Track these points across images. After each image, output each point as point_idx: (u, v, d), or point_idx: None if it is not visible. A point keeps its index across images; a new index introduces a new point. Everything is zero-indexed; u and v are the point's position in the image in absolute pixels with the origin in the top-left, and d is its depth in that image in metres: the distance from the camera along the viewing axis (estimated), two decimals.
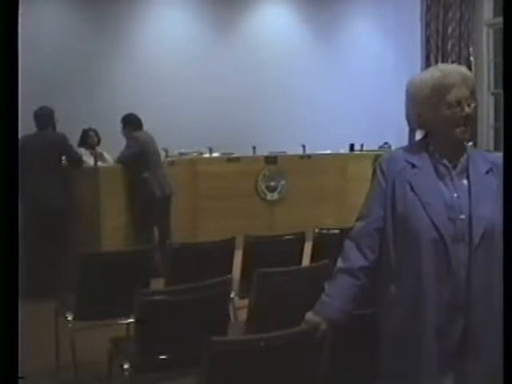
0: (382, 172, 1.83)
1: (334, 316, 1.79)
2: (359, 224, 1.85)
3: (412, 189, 1.75)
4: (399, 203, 1.77)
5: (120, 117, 5.87)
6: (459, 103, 1.75)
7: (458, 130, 1.76)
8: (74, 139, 6.17)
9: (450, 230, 1.70)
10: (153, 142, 5.85)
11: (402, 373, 1.77)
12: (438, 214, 1.71)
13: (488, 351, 1.70)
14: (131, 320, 2.74)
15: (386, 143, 8.05)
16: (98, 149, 6.25)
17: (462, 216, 1.71)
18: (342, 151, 7.86)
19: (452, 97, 1.75)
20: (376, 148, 7.92)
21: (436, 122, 1.78)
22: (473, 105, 1.76)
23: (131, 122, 5.78)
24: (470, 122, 1.76)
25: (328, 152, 7.66)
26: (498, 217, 1.71)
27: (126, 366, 2.51)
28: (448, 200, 1.74)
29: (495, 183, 1.77)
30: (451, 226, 1.71)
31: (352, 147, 8.02)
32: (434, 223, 1.71)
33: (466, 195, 1.74)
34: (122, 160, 5.69)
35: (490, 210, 1.72)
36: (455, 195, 1.74)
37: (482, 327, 1.69)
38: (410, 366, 1.74)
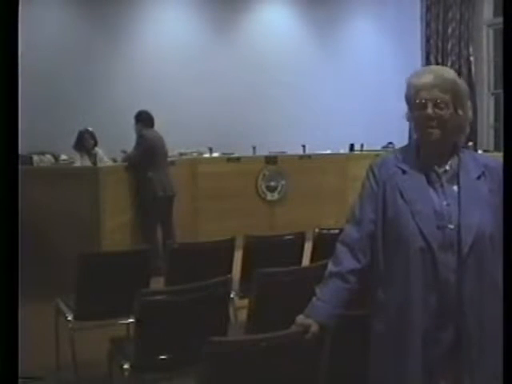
0: (374, 176, 1.83)
1: (324, 320, 1.78)
2: (351, 227, 1.84)
3: (402, 196, 1.75)
4: (389, 209, 1.76)
5: (119, 117, 5.89)
6: (425, 105, 1.73)
7: (423, 132, 1.76)
8: (72, 139, 6.19)
9: (438, 239, 1.69)
10: (161, 143, 5.87)
11: (389, 376, 1.76)
12: (426, 222, 1.70)
13: (482, 358, 1.68)
14: (131, 320, 2.74)
15: (390, 143, 8.04)
16: (95, 148, 6.26)
17: (451, 225, 1.70)
18: (342, 151, 7.87)
19: (420, 98, 1.74)
20: (378, 148, 7.92)
21: (414, 124, 1.80)
22: (444, 107, 1.72)
23: (143, 119, 5.83)
24: (433, 123, 1.72)
25: (328, 152, 7.67)
26: (488, 224, 1.70)
27: (125, 366, 2.51)
28: (437, 208, 1.72)
29: (487, 188, 1.75)
30: (440, 234, 1.69)
31: (352, 147, 8.03)
32: (422, 232, 1.69)
33: (455, 202, 1.72)
34: (129, 160, 5.71)
35: (479, 218, 1.69)
36: (445, 203, 1.73)
37: (474, 334, 1.68)
38: (396, 370, 1.73)
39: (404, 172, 1.78)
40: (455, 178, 1.76)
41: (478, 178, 1.76)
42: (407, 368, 1.70)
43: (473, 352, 1.68)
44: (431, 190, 1.75)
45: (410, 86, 1.78)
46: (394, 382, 1.74)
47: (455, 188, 1.75)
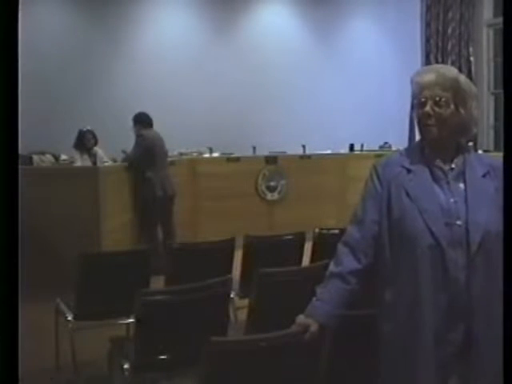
0: (378, 176, 1.82)
1: (325, 320, 1.78)
2: (353, 228, 1.83)
3: (407, 194, 1.74)
4: (395, 208, 1.75)
5: (119, 117, 5.90)
6: (425, 103, 1.73)
7: (422, 130, 1.76)
8: (72, 139, 6.19)
9: (446, 236, 1.68)
10: (161, 142, 5.89)
11: (399, 376, 1.76)
12: (434, 219, 1.69)
13: (491, 357, 1.68)
14: (131, 320, 2.74)
15: (386, 143, 8.07)
16: (94, 148, 6.28)
17: (459, 222, 1.69)
18: (342, 151, 7.87)
19: (421, 96, 1.74)
20: (376, 148, 7.93)
21: (416, 122, 1.80)
22: (444, 105, 1.72)
23: (141, 120, 5.84)
24: (431, 121, 1.72)
25: (328, 152, 7.67)
26: (495, 221, 1.69)
27: (125, 366, 2.51)
28: (444, 205, 1.71)
29: (492, 186, 1.74)
30: (448, 231, 1.69)
31: (352, 147, 8.04)
32: (430, 229, 1.69)
33: (462, 200, 1.72)
34: (129, 160, 5.72)
35: (487, 216, 1.69)
36: (452, 200, 1.72)
37: (484, 332, 1.68)
38: (408, 371, 1.72)
39: (409, 171, 1.77)
40: (461, 175, 1.76)
41: (484, 176, 1.76)
42: (418, 368, 1.70)
43: (482, 350, 1.68)
44: (437, 188, 1.74)
45: (412, 84, 1.78)
46: (406, 382, 1.74)
47: (461, 185, 1.74)
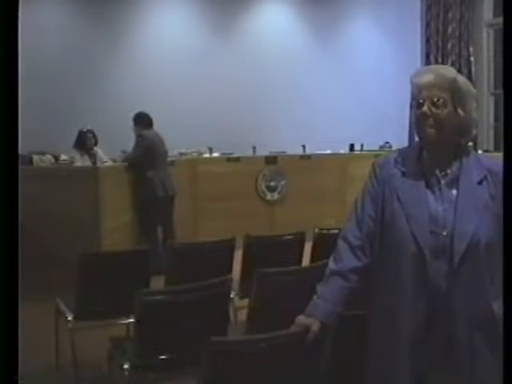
0: (375, 175, 1.81)
1: (326, 318, 1.77)
2: (352, 224, 1.83)
3: (398, 198, 1.73)
4: (386, 210, 1.75)
5: (119, 117, 5.89)
6: (423, 103, 1.71)
7: (420, 130, 1.74)
8: (72, 139, 6.19)
9: (430, 244, 1.66)
10: (161, 142, 5.89)
11: (379, 378, 1.76)
12: (420, 227, 1.68)
13: (473, 364, 1.67)
14: (131, 320, 2.74)
15: (386, 143, 8.06)
16: (94, 148, 6.28)
17: (445, 231, 1.67)
18: (342, 151, 7.87)
19: (419, 97, 1.72)
20: (376, 148, 7.93)
21: (413, 123, 1.78)
22: (441, 106, 1.69)
23: (141, 120, 5.84)
24: (429, 121, 1.70)
25: (328, 152, 7.67)
26: (485, 230, 1.66)
27: (125, 366, 2.51)
28: (433, 212, 1.69)
29: (487, 194, 1.70)
30: (433, 240, 1.67)
31: (352, 147, 8.04)
32: (414, 236, 1.67)
33: (452, 208, 1.69)
34: (129, 160, 5.72)
35: (476, 225, 1.65)
36: (441, 208, 1.69)
37: (465, 340, 1.66)
38: (386, 373, 1.73)
39: (403, 174, 1.76)
40: (455, 181, 1.72)
41: (480, 182, 1.71)
42: (396, 371, 1.70)
43: (464, 357, 1.67)
44: (429, 194, 1.72)
45: (411, 85, 1.77)
46: (384, 378, 1.74)
47: (454, 192, 1.71)
